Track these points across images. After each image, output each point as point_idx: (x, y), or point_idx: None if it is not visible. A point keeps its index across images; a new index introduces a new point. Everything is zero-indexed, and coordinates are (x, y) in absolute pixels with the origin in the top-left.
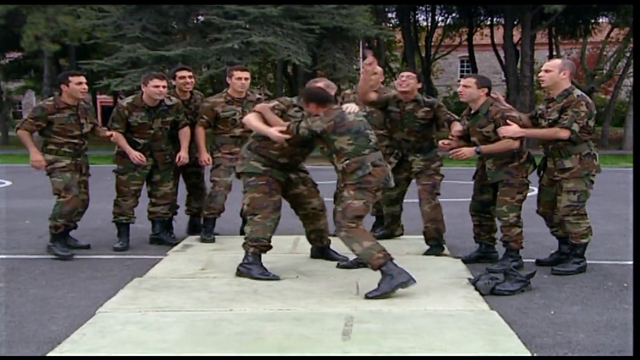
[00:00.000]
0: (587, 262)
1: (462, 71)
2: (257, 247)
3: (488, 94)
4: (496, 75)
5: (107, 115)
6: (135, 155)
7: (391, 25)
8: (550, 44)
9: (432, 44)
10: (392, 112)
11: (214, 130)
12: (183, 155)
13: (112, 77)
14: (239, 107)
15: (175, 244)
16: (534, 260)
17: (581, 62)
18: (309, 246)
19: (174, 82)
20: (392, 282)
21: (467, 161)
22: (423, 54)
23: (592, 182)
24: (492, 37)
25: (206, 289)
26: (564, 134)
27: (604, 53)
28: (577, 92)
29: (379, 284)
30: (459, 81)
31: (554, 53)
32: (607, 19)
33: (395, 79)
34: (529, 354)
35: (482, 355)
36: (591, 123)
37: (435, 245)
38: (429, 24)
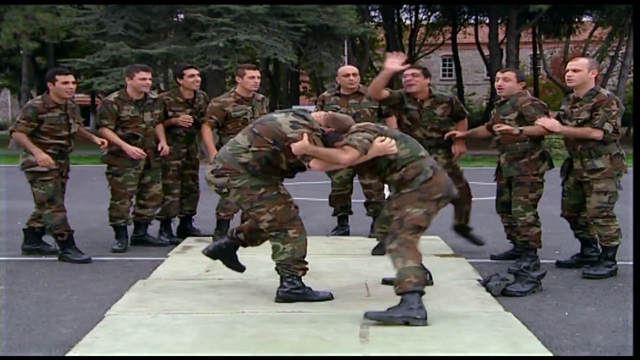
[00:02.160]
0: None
1: (444, 70)
2: (305, 268)
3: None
4: (478, 74)
5: (84, 114)
6: (134, 151)
7: (374, 23)
8: (534, 42)
9: (416, 42)
10: (411, 110)
11: (222, 130)
12: (166, 146)
13: (90, 75)
14: (249, 107)
15: (164, 245)
16: (545, 261)
17: (564, 61)
18: (312, 247)
19: (180, 81)
20: (406, 314)
21: (468, 161)
22: (406, 53)
23: (620, 182)
24: (476, 35)
25: (214, 291)
26: (597, 134)
27: (587, 52)
28: (605, 90)
29: (389, 308)
30: (442, 80)
31: (537, 52)
32: (590, 17)
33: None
34: (550, 355)
35: (505, 356)
36: (619, 122)
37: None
38: (413, 23)
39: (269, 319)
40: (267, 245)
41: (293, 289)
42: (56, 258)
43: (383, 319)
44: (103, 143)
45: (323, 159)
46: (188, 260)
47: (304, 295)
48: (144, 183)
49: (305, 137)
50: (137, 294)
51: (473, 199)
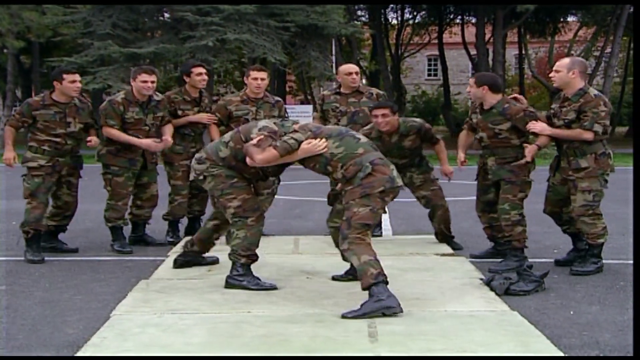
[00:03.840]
0: None
1: (429, 70)
2: (250, 257)
3: (492, 91)
4: (463, 74)
5: None
6: (150, 142)
7: (360, 22)
8: (519, 42)
9: (402, 42)
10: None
11: (227, 129)
12: (169, 139)
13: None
14: (253, 107)
15: (162, 244)
16: (537, 260)
17: (549, 61)
18: (311, 246)
19: (187, 79)
20: (377, 305)
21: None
22: (391, 52)
23: (606, 181)
24: (462, 35)
25: (218, 291)
26: (588, 135)
27: (572, 52)
28: (594, 91)
29: (362, 304)
30: (426, 80)
31: (523, 52)
32: (575, 17)
33: (364, 79)
34: (561, 355)
35: (519, 356)
36: (607, 122)
37: (450, 242)
38: (399, 22)
39: (275, 319)
40: (269, 246)
41: (235, 275)
42: (56, 258)
43: (360, 317)
44: (89, 141)
45: (246, 153)
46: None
47: (243, 282)
48: (141, 184)
49: (256, 138)
50: (141, 294)
51: (462, 198)
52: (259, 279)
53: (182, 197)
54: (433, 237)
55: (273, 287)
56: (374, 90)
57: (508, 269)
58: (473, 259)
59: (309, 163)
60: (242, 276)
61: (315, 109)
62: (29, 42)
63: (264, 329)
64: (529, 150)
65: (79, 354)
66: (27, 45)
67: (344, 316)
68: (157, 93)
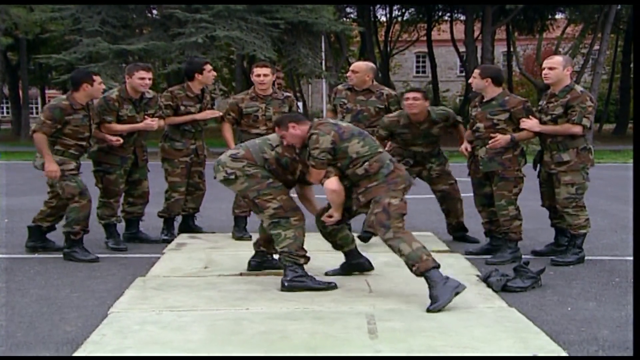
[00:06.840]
0: (589, 257)
1: (417, 67)
2: (306, 256)
3: (495, 84)
4: (451, 71)
5: None
6: (148, 121)
7: (349, 20)
8: (508, 40)
9: (390, 39)
10: (403, 134)
11: (239, 127)
12: (162, 122)
13: (64, 72)
14: (262, 104)
15: (157, 242)
16: (532, 256)
17: (537, 58)
18: (307, 244)
19: (199, 76)
20: (448, 287)
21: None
22: (379, 49)
23: (587, 174)
24: (451, 32)
25: (215, 288)
26: (577, 129)
27: (559, 49)
28: (579, 87)
29: (436, 295)
30: (415, 77)
31: (511, 49)
32: (563, 15)
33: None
34: (561, 351)
35: (521, 356)
36: (592, 118)
37: (464, 235)
38: (388, 19)
39: (274, 316)
40: None
41: (296, 277)
42: (51, 255)
43: (442, 305)
44: (118, 140)
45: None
46: (184, 257)
47: (307, 283)
48: (133, 180)
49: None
50: (138, 292)
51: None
52: (315, 279)
53: (179, 194)
54: (429, 233)
55: (334, 287)
56: (385, 90)
57: (503, 260)
58: (469, 256)
59: (336, 162)
60: (303, 277)
61: (305, 106)
62: (17, 39)
63: (264, 326)
64: (501, 140)
65: (79, 351)
66: (15, 42)
67: (429, 310)
68: (149, 90)
